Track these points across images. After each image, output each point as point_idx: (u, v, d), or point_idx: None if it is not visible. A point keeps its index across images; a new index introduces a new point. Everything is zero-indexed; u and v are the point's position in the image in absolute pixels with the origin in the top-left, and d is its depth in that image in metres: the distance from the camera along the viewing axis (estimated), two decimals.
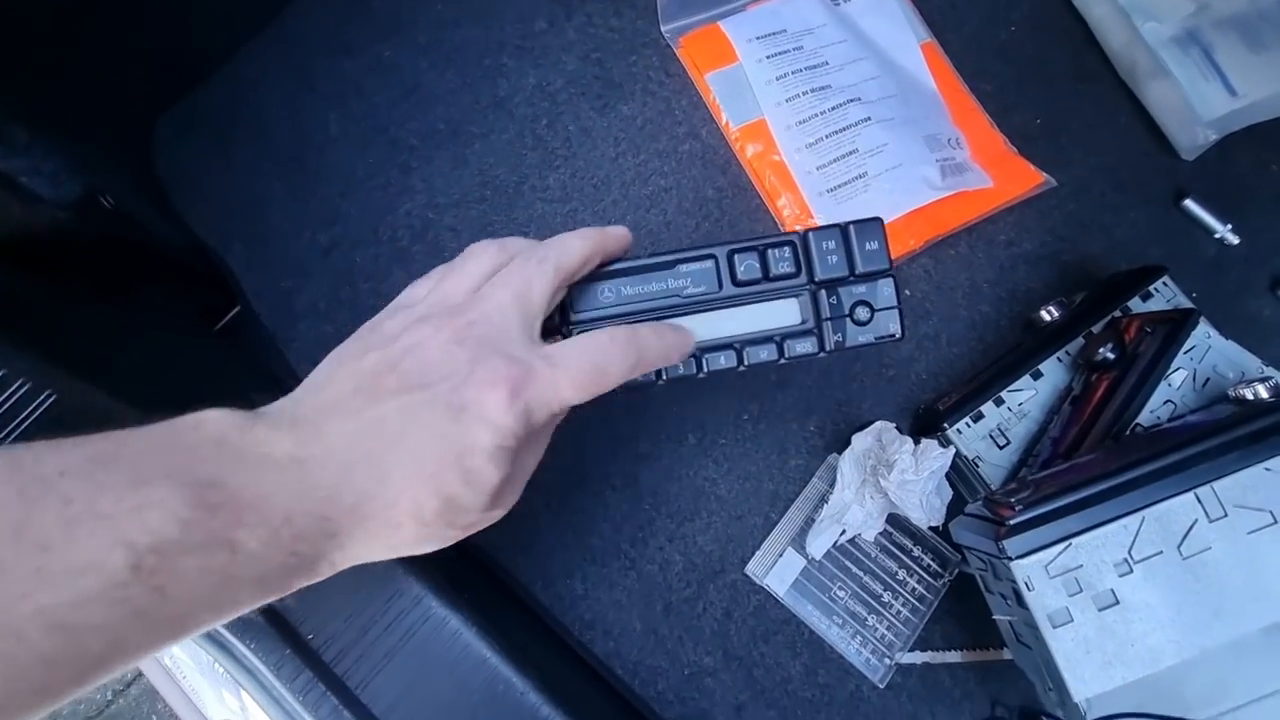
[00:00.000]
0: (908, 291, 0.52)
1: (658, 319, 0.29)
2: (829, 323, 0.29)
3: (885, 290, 0.30)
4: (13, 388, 0.24)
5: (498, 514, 0.26)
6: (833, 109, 0.52)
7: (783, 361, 0.30)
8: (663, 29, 0.53)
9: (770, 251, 0.29)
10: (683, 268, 0.29)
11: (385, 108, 0.52)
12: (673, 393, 0.48)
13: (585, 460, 0.47)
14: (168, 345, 0.38)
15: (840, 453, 0.46)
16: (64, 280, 0.32)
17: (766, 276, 0.29)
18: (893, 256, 0.51)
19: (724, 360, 0.29)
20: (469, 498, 0.24)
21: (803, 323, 0.30)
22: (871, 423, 0.46)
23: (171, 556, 0.18)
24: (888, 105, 0.52)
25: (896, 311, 0.30)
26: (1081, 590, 0.32)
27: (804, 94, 0.52)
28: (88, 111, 0.41)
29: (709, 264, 0.29)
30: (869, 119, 0.52)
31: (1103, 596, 0.31)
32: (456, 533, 0.25)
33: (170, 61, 0.49)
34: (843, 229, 0.30)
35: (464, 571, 0.42)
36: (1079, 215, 0.55)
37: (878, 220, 0.30)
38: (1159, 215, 0.56)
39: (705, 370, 0.29)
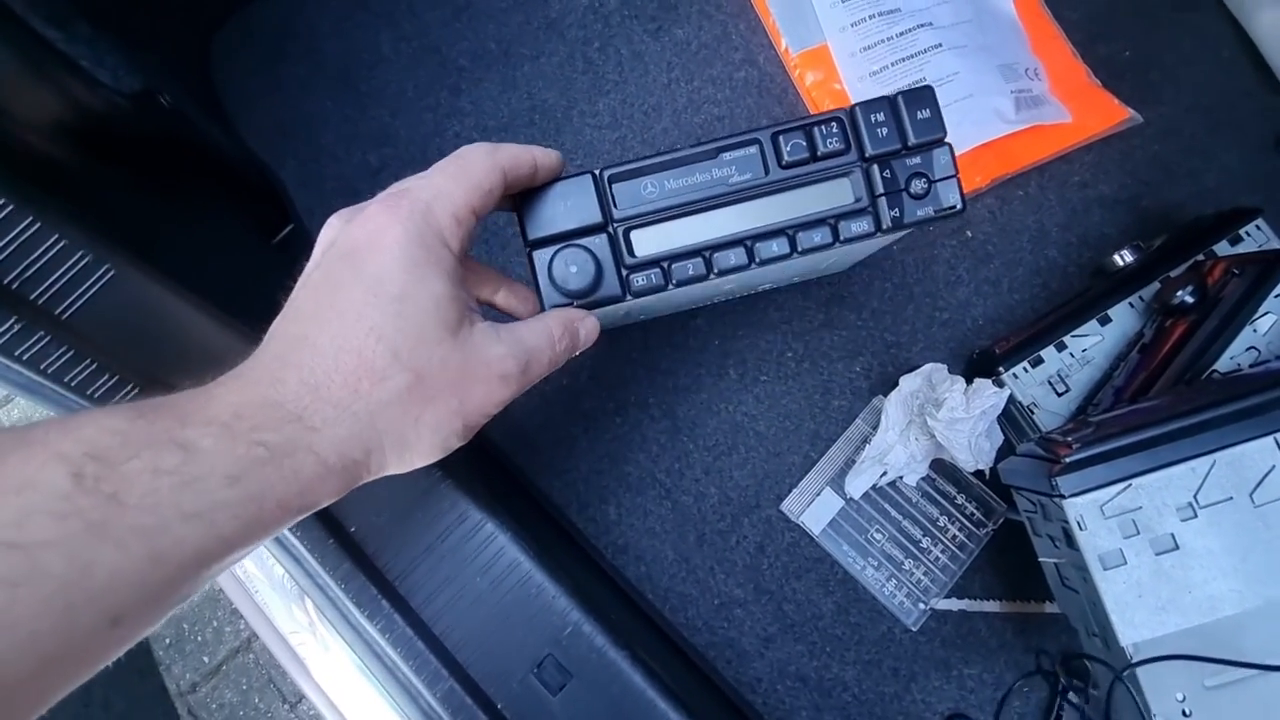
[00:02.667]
0: (969, 233, 0.50)
1: (705, 210, 0.28)
2: (884, 198, 0.28)
3: (942, 159, 0.28)
4: (73, 258, 0.25)
5: (479, 347, 0.24)
6: (901, 34, 0.49)
7: (838, 244, 0.28)
8: None
9: (817, 129, 0.28)
10: (726, 155, 0.28)
11: (436, 27, 0.51)
12: (714, 327, 0.47)
13: (624, 390, 0.47)
14: (227, 248, 0.39)
15: (886, 395, 0.45)
16: (128, 168, 0.33)
17: (815, 156, 0.28)
18: None
19: (776, 247, 0.28)
20: (407, 329, 0.22)
21: (856, 201, 0.28)
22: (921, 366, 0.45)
23: (114, 463, 0.18)
24: (961, 31, 0.49)
25: (955, 181, 0.28)
26: (1138, 533, 0.30)
27: (871, 18, 0.49)
28: (148, 20, 0.41)
29: (753, 149, 0.28)
30: (940, 45, 0.48)
31: (1161, 540, 0.30)
32: (445, 394, 0.23)
33: None
34: (891, 100, 0.28)
35: (500, 489, 0.42)
36: (1165, 157, 0.51)
37: (928, 88, 0.28)
38: (1256, 160, 0.51)
39: (758, 259, 0.28)
